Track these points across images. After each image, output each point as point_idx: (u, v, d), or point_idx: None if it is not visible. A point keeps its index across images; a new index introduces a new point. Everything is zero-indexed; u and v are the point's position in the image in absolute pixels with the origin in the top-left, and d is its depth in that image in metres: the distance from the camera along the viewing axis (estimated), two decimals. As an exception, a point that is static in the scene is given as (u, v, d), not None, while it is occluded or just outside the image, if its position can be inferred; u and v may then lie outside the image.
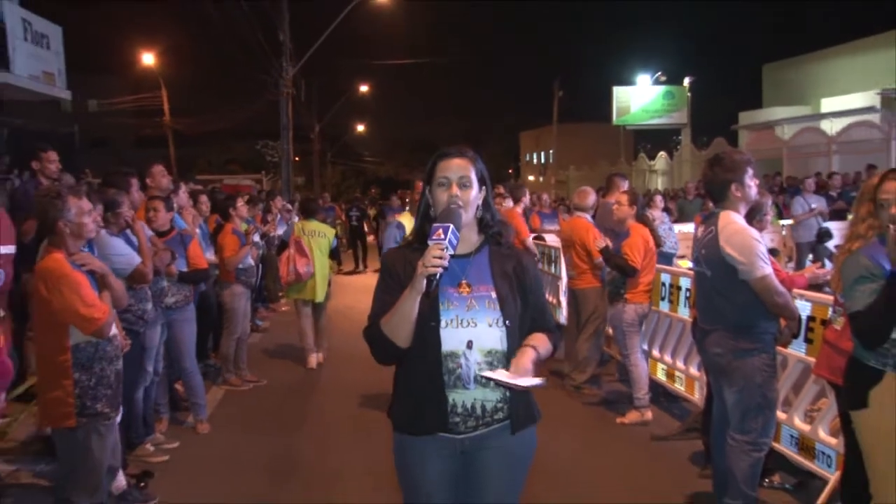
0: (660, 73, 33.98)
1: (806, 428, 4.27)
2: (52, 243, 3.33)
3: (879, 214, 2.96)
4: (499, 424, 2.30)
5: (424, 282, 2.11)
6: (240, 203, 7.27)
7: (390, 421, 2.41)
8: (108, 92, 27.73)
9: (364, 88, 36.75)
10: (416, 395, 2.30)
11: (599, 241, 5.82)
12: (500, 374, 2.19)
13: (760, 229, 4.13)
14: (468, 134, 53.24)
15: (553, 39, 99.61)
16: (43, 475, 4.49)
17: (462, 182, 2.31)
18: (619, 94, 33.61)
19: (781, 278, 3.84)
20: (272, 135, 31.49)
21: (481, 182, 2.36)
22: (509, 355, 2.25)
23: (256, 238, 7.54)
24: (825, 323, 3.88)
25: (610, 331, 6.52)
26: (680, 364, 5.86)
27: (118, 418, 3.56)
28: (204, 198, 7.47)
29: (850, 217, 3.83)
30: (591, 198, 6.69)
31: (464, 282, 2.30)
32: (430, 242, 2.14)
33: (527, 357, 2.23)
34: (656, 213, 7.63)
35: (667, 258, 6.95)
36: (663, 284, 6.01)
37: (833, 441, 4.01)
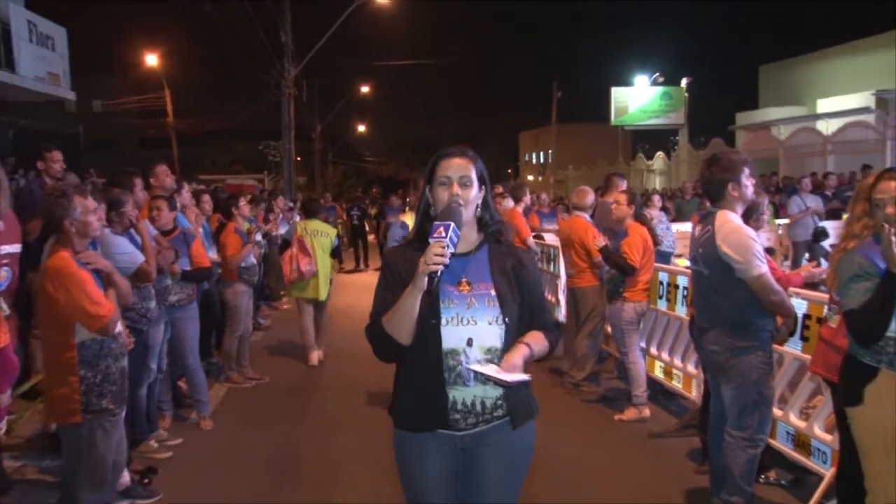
0: (657, 74, 33.99)
1: (802, 425, 4.30)
2: (59, 242, 3.34)
3: (874, 214, 2.99)
4: (499, 421, 2.32)
5: (426, 279, 2.13)
6: (242, 202, 7.31)
7: (391, 418, 2.42)
8: (113, 93, 27.81)
9: (365, 89, 36.84)
10: (416, 392, 2.31)
11: (599, 240, 5.85)
12: (489, 369, 2.21)
13: (757, 228, 4.16)
14: (468, 134, 53.37)
15: (552, 40, 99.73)
16: (48, 471, 4.53)
17: (463, 181, 2.32)
18: (618, 94, 33.62)
19: (777, 277, 3.86)
20: (274, 135, 31.61)
21: (481, 181, 2.38)
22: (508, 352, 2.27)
23: (258, 237, 7.58)
24: (821, 321, 3.91)
25: (608, 329, 6.56)
26: (678, 362, 5.90)
27: (122, 414, 3.60)
28: (207, 197, 7.49)
29: (845, 216, 3.86)
30: (590, 197, 6.74)
31: (464, 280, 2.31)
32: (431, 240, 2.15)
33: (517, 353, 2.24)
34: (654, 213, 7.68)
35: (664, 257, 7.00)
36: (661, 283, 6.05)
37: (828, 437, 4.04)
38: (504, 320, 2.29)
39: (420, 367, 2.29)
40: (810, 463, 4.20)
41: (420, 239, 2.35)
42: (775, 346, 3.92)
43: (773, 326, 3.65)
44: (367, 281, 13.07)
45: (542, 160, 51.76)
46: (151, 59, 28.81)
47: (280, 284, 10.19)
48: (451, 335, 2.25)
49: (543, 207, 11.61)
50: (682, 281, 5.69)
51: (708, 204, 3.98)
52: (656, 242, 6.02)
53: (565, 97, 41.07)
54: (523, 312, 2.37)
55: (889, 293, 2.76)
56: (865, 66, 23.29)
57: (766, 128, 24.62)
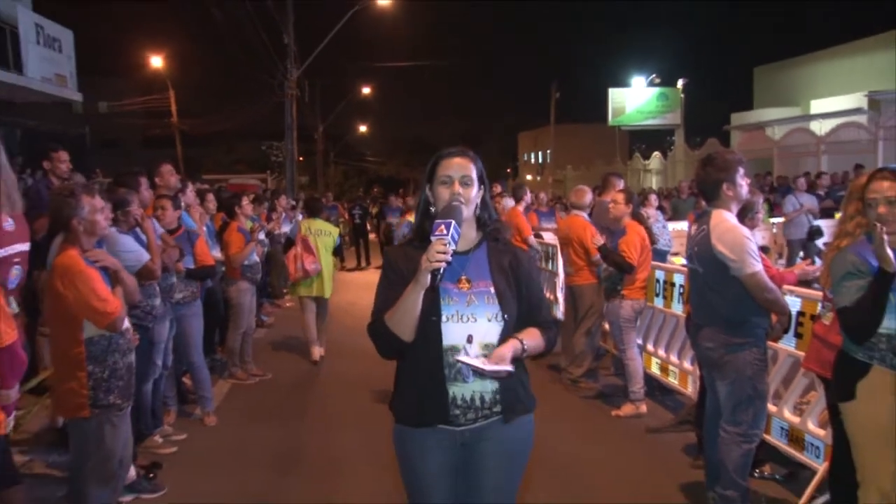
0: (654, 75, 33.99)
1: (795, 420, 4.35)
2: (67, 240, 3.38)
3: (867, 213, 2.99)
4: (497, 416, 2.34)
5: (429, 276, 2.15)
6: (245, 202, 7.38)
7: (392, 413, 2.45)
8: (118, 94, 27.79)
9: (366, 90, 36.91)
10: (417, 388, 2.34)
11: (597, 239, 5.91)
12: (476, 361, 2.23)
13: (752, 227, 4.20)
14: (468, 134, 53.50)
15: (551, 41, 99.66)
16: (56, 465, 4.58)
17: (464, 180, 2.36)
18: (615, 95, 33.70)
19: (772, 275, 3.88)
20: (277, 135, 31.64)
21: (481, 181, 2.42)
22: None
23: (261, 236, 7.62)
24: (814, 318, 3.96)
25: (606, 326, 6.62)
26: (674, 358, 5.96)
27: (129, 409, 3.65)
28: (210, 196, 7.53)
29: (838, 215, 3.90)
30: (588, 196, 6.80)
31: (463, 278, 2.34)
32: (432, 238, 2.16)
33: (507, 347, 2.26)
34: (651, 212, 7.76)
35: (661, 255, 7.06)
36: (657, 281, 6.11)
37: (821, 433, 4.08)
38: (503, 317, 2.32)
39: (421, 363, 2.31)
40: (804, 457, 4.24)
41: (420, 237, 2.38)
42: (770, 343, 3.95)
43: (768, 323, 3.68)
44: (368, 279, 13.13)
45: (540, 160, 51.81)
46: (156, 61, 29.02)
47: (283, 282, 10.27)
48: (452, 332, 2.28)
49: (542, 207, 11.66)
50: (679, 279, 5.75)
51: (703, 203, 4.00)
52: (653, 241, 6.07)
53: (564, 98, 41.17)
54: (521, 308, 2.40)
55: (881, 290, 2.80)
56: (858, 68, 23.38)
57: (761, 128, 24.72)
